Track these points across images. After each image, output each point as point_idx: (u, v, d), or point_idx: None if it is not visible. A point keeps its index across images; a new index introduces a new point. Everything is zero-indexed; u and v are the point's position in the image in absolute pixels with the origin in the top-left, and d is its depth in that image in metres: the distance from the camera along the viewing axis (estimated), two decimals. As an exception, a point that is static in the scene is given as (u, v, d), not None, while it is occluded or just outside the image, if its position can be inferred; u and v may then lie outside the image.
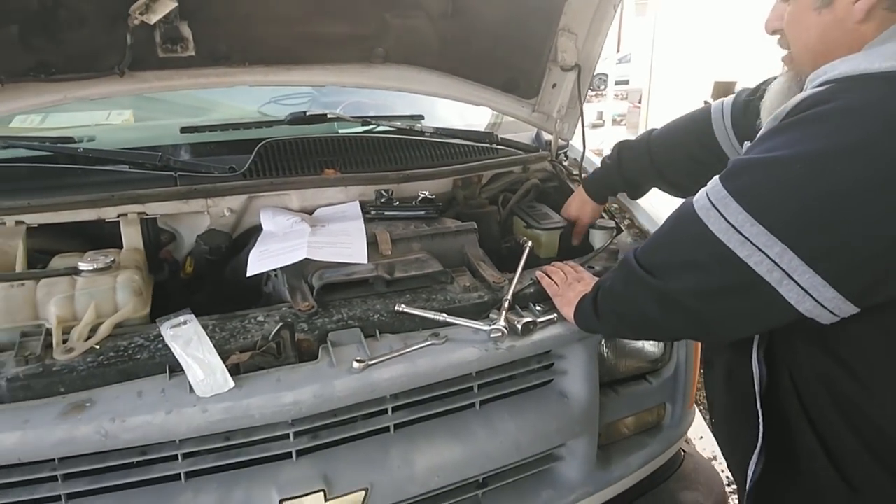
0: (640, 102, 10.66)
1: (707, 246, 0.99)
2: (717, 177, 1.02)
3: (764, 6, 1.23)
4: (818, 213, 0.91)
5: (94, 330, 1.23)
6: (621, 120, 12.47)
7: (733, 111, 1.56)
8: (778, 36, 1.19)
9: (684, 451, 1.87)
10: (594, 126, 13.24)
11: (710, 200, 1.00)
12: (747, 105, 1.51)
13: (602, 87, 12.85)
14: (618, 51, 17.68)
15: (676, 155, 1.67)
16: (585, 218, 1.85)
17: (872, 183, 0.88)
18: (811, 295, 0.92)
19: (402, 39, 1.77)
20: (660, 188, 1.78)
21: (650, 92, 9.99)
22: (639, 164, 1.73)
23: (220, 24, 1.60)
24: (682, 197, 1.25)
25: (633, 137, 1.82)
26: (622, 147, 1.80)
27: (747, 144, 1.26)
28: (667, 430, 1.74)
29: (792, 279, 0.92)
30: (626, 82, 13.51)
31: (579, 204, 1.85)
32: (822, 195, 0.90)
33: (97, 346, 1.20)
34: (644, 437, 1.71)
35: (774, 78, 1.28)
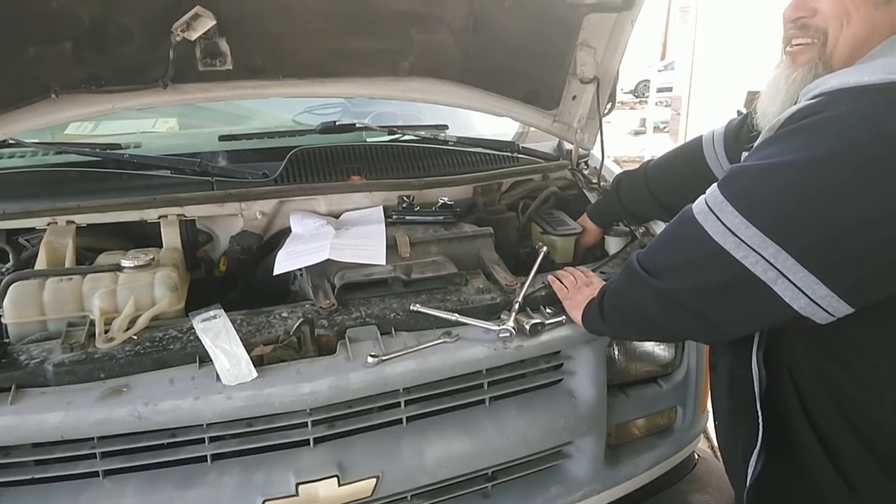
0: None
1: (705, 248, 1.03)
2: (715, 183, 1.08)
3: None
4: (809, 215, 0.95)
5: (133, 322, 1.33)
6: (664, 127, 12.35)
7: (725, 139, 1.62)
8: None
9: (699, 455, 1.91)
10: (636, 133, 13.15)
11: (707, 205, 1.05)
12: (738, 132, 1.57)
13: (645, 94, 12.76)
14: (662, 58, 17.50)
15: (672, 183, 1.73)
16: (587, 241, 1.93)
17: (860, 186, 0.92)
18: (805, 293, 0.96)
19: (426, 53, 1.85)
20: (659, 218, 1.83)
21: (689, 99, 9.89)
22: (636, 193, 1.80)
23: (255, 40, 1.69)
24: None
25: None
26: (621, 177, 1.88)
27: None
28: (678, 433, 1.77)
29: (786, 278, 0.96)
30: (670, 89, 13.40)
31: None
32: (812, 198, 0.95)
33: (135, 337, 1.31)
34: (655, 439, 1.75)
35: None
